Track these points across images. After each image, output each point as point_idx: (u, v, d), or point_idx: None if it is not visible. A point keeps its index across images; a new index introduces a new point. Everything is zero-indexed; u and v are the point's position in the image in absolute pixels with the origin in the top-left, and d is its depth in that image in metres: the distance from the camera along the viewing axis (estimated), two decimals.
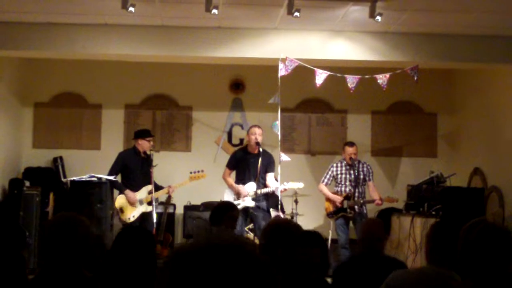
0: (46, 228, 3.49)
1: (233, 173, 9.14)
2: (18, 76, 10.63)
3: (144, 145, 9.09)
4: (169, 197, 9.35)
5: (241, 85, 11.14)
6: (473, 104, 10.60)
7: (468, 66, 9.84)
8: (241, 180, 8.95)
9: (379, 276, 4.89)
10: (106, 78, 10.93)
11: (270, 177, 8.90)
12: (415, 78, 8.51)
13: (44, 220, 9.50)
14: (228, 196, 8.97)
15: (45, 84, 10.93)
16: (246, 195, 8.79)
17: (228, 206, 6.46)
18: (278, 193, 8.70)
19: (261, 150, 8.74)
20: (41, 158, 10.71)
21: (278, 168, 8.68)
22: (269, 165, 8.91)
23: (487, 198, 9.24)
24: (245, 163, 8.93)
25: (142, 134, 9.21)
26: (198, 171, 9.16)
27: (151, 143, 9.16)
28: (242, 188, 8.84)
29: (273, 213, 9.13)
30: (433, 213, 8.48)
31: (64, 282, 3.24)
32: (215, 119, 11.10)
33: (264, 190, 8.85)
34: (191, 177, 9.16)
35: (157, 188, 9.12)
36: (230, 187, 8.98)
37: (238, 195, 8.88)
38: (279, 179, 8.73)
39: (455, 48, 8.97)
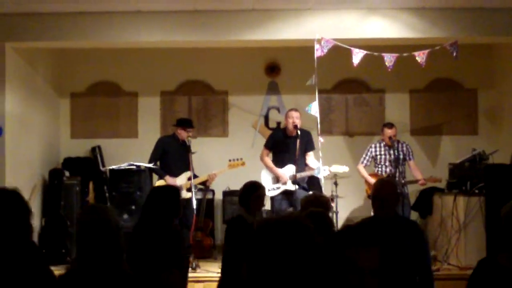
0: (77, 221, 3.47)
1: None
2: (53, 67, 10.67)
3: (182, 134, 9.08)
4: (207, 183, 9.31)
5: (277, 68, 11.03)
6: None
7: (508, 40, 9.59)
8: (279, 162, 8.90)
9: (393, 236, 4.87)
10: (140, 66, 10.92)
11: (310, 156, 8.82)
12: (455, 54, 8.33)
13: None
14: (266, 178, 8.91)
15: (80, 74, 10.96)
16: (286, 181, 8.74)
17: (253, 186, 6.37)
18: (321, 177, 8.63)
19: (299, 132, 8.68)
20: (80, 148, 10.77)
21: (319, 152, 8.60)
22: (308, 143, 8.85)
23: None
24: (284, 145, 8.89)
25: (184, 123, 9.18)
26: (237, 159, 9.10)
27: (190, 133, 9.14)
28: (282, 173, 8.79)
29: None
30: (476, 191, 8.34)
31: (101, 275, 3.21)
32: (251, 103, 11.02)
33: (304, 174, 8.77)
34: (230, 165, 9.11)
35: (194, 176, 9.11)
36: (270, 170, 8.93)
37: (277, 178, 8.83)
38: (320, 162, 8.64)
39: (494, 22, 8.78)
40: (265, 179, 8.91)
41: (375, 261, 3.50)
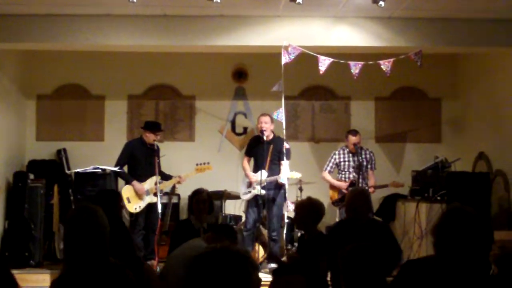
0: (68, 221, 3.48)
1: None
2: (20, 68, 10.59)
3: (150, 137, 9.09)
4: (174, 188, 9.33)
5: (244, 74, 11.09)
6: (478, 89, 10.55)
7: (472, 50, 9.80)
8: (254, 167, 9.09)
9: (365, 236, 5.16)
10: (108, 69, 10.89)
11: (284, 165, 8.88)
12: (419, 63, 8.48)
13: (49, 212, 9.52)
14: (243, 184, 9.06)
15: (47, 76, 10.89)
16: (254, 185, 8.82)
17: (193, 193, 6.74)
18: (286, 183, 8.73)
19: (265, 137, 8.78)
20: (45, 150, 10.68)
21: (284, 157, 8.71)
22: (281, 152, 8.90)
23: (492, 182, 9.20)
24: (257, 150, 9.01)
25: (152, 127, 9.19)
26: (204, 163, 9.15)
27: (158, 137, 9.16)
28: (252, 176, 8.91)
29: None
30: (438, 198, 8.46)
31: (92, 273, 3.23)
32: (219, 108, 11.06)
33: (268, 179, 8.84)
34: (197, 169, 9.15)
35: (166, 177, 9.13)
36: (244, 173, 9.07)
37: (250, 182, 8.96)
38: (285, 167, 8.74)
39: (459, 33, 8.91)
40: (243, 184, 9.10)
41: None
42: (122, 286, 3.30)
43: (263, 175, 8.77)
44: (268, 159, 8.78)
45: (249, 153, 9.30)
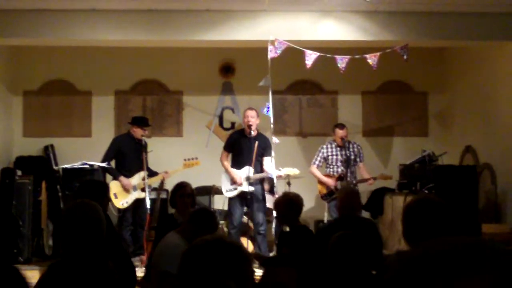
0: (64, 215, 3.47)
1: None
2: (6, 64, 10.55)
3: (137, 132, 9.08)
4: (162, 183, 9.32)
5: (231, 69, 11.09)
6: (464, 82, 10.61)
7: (459, 44, 9.85)
8: (237, 163, 8.94)
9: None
10: (95, 65, 10.87)
11: (266, 161, 8.88)
12: (405, 56, 8.51)
13: (37, 208, 9.49)
14: (225, 181, 8.97)
15: (34, 72, 10.86)
16: (241, 183, 8.78)
17: (177, 187, 6.55)
18: (274, 178, 8.73)
19: (253, 133, 8.76)
20: (32, 146, 10.65)
21: (272, 152, 8.70)
22: (266, 149, 8.88)
23: (479, 175, 9.26)
24: (241, 146, 8.91)
25: (140, 122, 9.18)
26: (192, 158, 9.14)
27: (146, 132, 9.15)
28: (236, 174, 8.83)
29: (268, 197, 9.14)
30: (426, 191, 8.50)
31: (85, 270, 3.22)
32: (206, 103, 11.06)
33: (258, 176, 8.84)
34: (185, 164, 9.14)
35: (152, 174, 9.12)
36: (226, 171, 8.97)
37: (233, 180, 8.87)
38: (273, 162, 8.73)
39: (445, 26, 8.95)
40: (224, 181, 8.97)
41: None
42: (104, 281, 3.29)
43: (249, 171, 8.74)
44: (254, 155, 8.75)
45: (230, 148, 9.12)
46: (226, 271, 2.34)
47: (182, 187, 6.47)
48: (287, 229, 6.29)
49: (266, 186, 9.38)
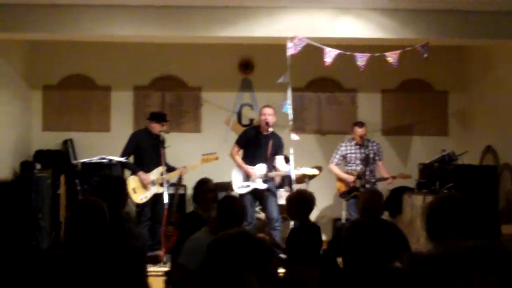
0: (71, 214, 3.48)
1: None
2: (26, 59, 10.61)
3: (155, 128, 9.08)
4: (180, 179, 9.32)
5: (250, 65, 11.07)
6: (485, 81, 10.51)
7: (480, 42, 9.74)
8: (249, 160, 8.90)
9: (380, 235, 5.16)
10: (114, 60, 10.90)
11: (279, 159, 8.88)
12: (425, 55, 8.43)
13: (56, 202, 9.54)
14: (236, 175, 8.94)
15: (53, 66, 10.91)
16: (256, 178, 8.76)
17: (199, 183, 6.58)
18: (293, 176, 8.69)
19: (270, 129, 8.73)
20: (52, 140, 10.71)
21: (290, 149, 8.66)
22: (279, 147, 8.88)
23: (499, 176, 9.16)
24: (256, 143, 8.89)
25: (158, 117, 9.18)
26: (210, 153, 9.13)
27: (164, 127, 9.14)
28: (252, 170, 8.81)
29: (283, 192, 9.12)
30: (445, 191, 8.43)
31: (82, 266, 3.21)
32: (225, 99, 11.04)
33: (276, 174, 8.82)
34: (203, 159, 9.13)
35: (170, 169, 9.11)
36: (239, 166, 8.94)
37: (247, 176, 8.85)
38: (291, 159, 8.69)
39: (466, 24, 8.86)
40: (236, 177, 8.94)
41: None
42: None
43: (263, 168, 8.73)
44: (269, 153, 8.74)
45: (244, 144, 9.07)
46: (247, 265, 2.32)
47: (204, 183, 6.47)
48: (296, 225, 6.28)
49: (277, 180, 9.33)
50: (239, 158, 9.00)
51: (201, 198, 6.39)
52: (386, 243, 5.07)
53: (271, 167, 8.83)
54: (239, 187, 8.86)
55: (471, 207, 3.33)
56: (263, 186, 8.72)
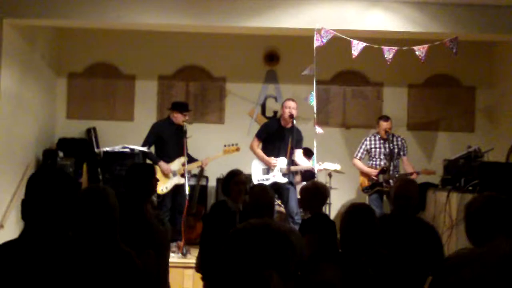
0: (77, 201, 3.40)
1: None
2: (52, 46, 10.62)
3: (178, 118, 9.03)
4: (202, 170, 9.28)
5: (276, 57, 10.99)
6: None
7: (509, 38, 9.57)
8: (270, 153, 8.83)
9: (407, 236, 4.90)
10: (139, 49, 10.88)
11: (298, 153, 8.81)
12: (454, 50, 8.29)
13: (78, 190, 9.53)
14: (256, 168, 8.89)
15: (79, 54, 10.92)
16: (277, 170, 8.70)
17: (231, 173, 6.40)
18: (315, 171, 8.61)
19: (294, 122, 8.65)
20: (75, 128, 10.73)
21: (314, 142, 8.58)
22: (299, 141, 8.81)
23: None
24: (277, 136, 8.83)
25: (180, 107, 9.13)
26: (232, 144, 9.08)
27: (186, 117, 9.09)
28: (274, 161, 8.75)
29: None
30: (470, 188, 8.30)
31: (94, 253, 3.15)
32: (249, 91, 10.98)
33: (298, 168, 8.75)
34: (225, 150, 9.09)
35: (191, 160, 9.07)
36: (261, 159, 8.88)
37: (267, 169, 8.79)
38: (315, 152, 8.62)
39: (495, 20, 8.73)
40: (256, 170, 8.89)
41: None
42: (126, 274, 3.21)
43: (284, 162, 8.67)
44: (290, 146, 8.67)
45: (263, 136, 8.99)
46: (268, 259, 2.19)
47: (236, 174, 6.37)
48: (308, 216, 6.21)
49: (298, 178, 9.28)
50: (260, 150, 8.94)
51: (233, 189, 6.28)
52: (412, 242, 4.93)
53: (291, 162, 8.75)
54: (259, 180, 8.79)
55: None
56: (283, 179, 8.66)
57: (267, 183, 8.67)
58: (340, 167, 8.93)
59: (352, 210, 4.12)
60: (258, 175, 8.84)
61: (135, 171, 5.18)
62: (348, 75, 11.04)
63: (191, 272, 7.90)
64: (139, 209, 4.93)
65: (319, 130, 8.49)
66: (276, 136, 8.84)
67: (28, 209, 2.90)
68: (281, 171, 8.69)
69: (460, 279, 2.21)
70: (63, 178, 3.00)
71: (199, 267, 6.20)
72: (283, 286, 2.14)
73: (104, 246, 3.29)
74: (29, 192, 2.93)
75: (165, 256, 5.10)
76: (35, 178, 2.99)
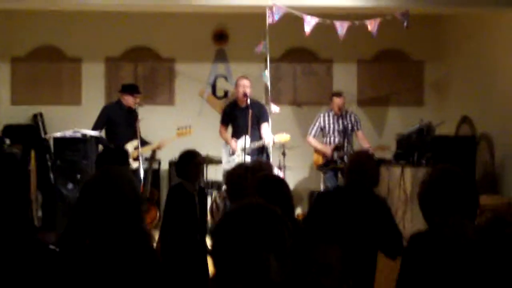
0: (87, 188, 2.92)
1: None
2: None
3: (129, 100, 8.84)
4: (154, 153, 9.12)
5: (225, 36, 10.87)
6: (462, 51, 10.42)
7: (457, 11, 9.65)
8: (235, 135, 8.77)
9: (360, 210, 4.76)
10: (85, 30, 10.63)
11: (264, 127, 8.65)
12: (406, 23, 8.26)
13: (26, 178, 9.28)
14: (224, 152, 8.84)
15: (22, 37, 10.61)
16: (235, 151, 8.63)
17: (190, 155, 6.08)
18: (270, 147, 8.52)
19: (249, 101, 8.54)
20: (21, 114, 10.46)
21: (269, 120, 8.51)
22: (262, 115, 8.67)
23: (476, 146, 9.12)
24: (235, 117, 8.74)
25: (130, 89, 8.93)
26: (185, 127, 8.94)
27: (137, 99, 8.90)
28: (234, 143, 8.68)
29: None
30: (423, 162, 8.37)
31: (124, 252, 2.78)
32: (199, 71, 10.84)
33: (255, 144, 8.66)
34: (179, 133, 8.95)
35: (144, 143, 8.89)
36: (225, 141, 8.82)
37: (232, 151, 8.72)
38: (268, 131, 8.55)
39: None
40: (224, 153, 8.92)
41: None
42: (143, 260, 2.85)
43: (247, 141, 8.54)
44: (249, 124, 8.56)
45: (226, 121, 8.96)
46: (264, 241, 2.07)
47: (195, 156, 6.14)
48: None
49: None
50: (226, 135, 8.91)
51: (192, 171, 6.07)
52: (366, 218, 4.81)
53: (258, 138, 8.63)
54: (226, 162, 8.74)
55: (472, 183, 3.19)
56: (248, 158, 8.56)
57: (232, 164, 8.55)
58: (289, 137, 8.73)
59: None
60: (225, 157, 8.87)
61: (108, 155, 5.01)
62: (298, 52, 10.99)
63: None
64: None
65: (274, 108, 8.40)
66: (234, 118, 8.76)
67: None
68: (241, 150, 8.58)
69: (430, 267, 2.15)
70: (9, 164, 2.81)
71: (160, 252, 6.05)
72: (280, 267, 2.05)
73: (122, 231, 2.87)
74: None
75: None
76: None
